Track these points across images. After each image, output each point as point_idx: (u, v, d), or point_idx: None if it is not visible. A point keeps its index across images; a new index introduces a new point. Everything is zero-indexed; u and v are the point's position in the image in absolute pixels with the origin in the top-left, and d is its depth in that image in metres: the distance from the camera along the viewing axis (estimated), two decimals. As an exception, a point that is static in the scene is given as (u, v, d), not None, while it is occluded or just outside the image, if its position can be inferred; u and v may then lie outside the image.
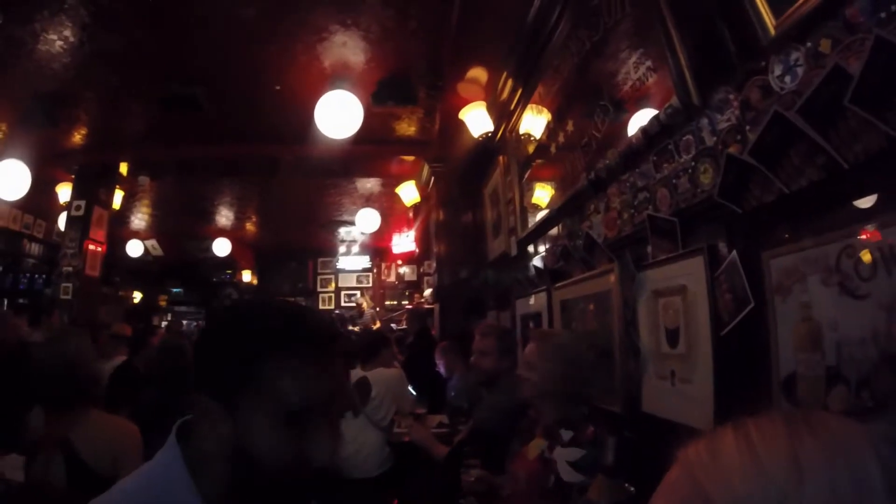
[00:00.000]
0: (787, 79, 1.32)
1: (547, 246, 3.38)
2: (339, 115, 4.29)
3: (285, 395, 0.80)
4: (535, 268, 3.45)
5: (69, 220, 6.07)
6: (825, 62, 1.20)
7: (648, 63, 2.08)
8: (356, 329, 10.21)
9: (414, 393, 4.50)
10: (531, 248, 3.71)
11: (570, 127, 3.00)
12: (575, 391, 1.92)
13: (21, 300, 8.40)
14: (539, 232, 3.51)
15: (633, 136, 2.10)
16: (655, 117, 1.91)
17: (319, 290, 12.31)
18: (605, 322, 2.34)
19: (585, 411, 1.92)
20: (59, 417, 2.02)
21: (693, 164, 1.72)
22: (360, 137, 4.53)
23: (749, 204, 1.45)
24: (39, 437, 2.05)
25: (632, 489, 1.62)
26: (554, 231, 3.23)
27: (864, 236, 1.10)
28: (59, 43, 3.84)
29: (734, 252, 1.49)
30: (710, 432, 0.56)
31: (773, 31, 1.35)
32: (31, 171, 5.20)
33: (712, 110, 1.63)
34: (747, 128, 1.46)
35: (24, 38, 3.77)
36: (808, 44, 1.26)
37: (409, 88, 4.51)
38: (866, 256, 1.09)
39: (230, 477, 0.81)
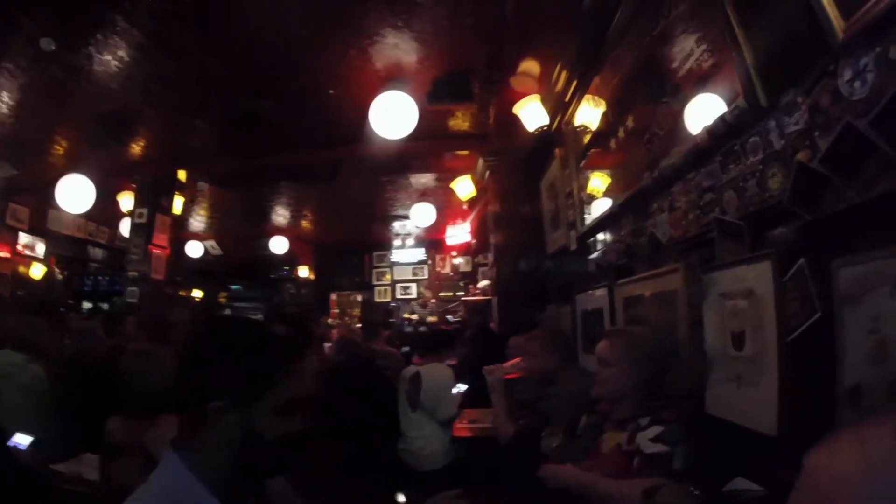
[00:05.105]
0: (857, 84, 1.29)
1: (608, 240, 3.36)
2: (393, 115, 4.35)
3: (283, 396, 1.15)
4: (597, 263, 3.43)
5: (133, 227, 6.33)
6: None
7: (713, 59, 2.05)
8: (413, 317, 10.35)
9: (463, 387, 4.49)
10: (592, 242, 3.69)
11: (630, 122, 2.97)
12: (652, 391, 1.93)
13: (88, 303, 8.96)
14: (600, 227, 3.48)
15: (698, 135, 2.07)
16: (721, 117, 1.89)
17: (375, 283, 12.45)
18: (671, 322, 2.33)
19: (663, 403, 1.92)
20: (141, 427, 2.08)
21: (761, 167, 1.69)
22: (414, 134, 4.55)
23: (820, 211, 1.43)
24: (120, 444, 2.13)
25: (696, 492, 1.63)
26: (615, 227, 3.20)
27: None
28: (115, 63, 4.00)
29: (803, 259, 1.48)
30: (828, 438, 0.60)
31: (841, 35, 1.32)
32: (94, 184, 5.46)
33: (780, 113, 1.60)
34: (816, 133, 1.43)
35: (79, 63, 3.96)
36: (878, 49, 1.24)
37: (464, 86, 4.50)
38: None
39: (236, 461, 1.11)
